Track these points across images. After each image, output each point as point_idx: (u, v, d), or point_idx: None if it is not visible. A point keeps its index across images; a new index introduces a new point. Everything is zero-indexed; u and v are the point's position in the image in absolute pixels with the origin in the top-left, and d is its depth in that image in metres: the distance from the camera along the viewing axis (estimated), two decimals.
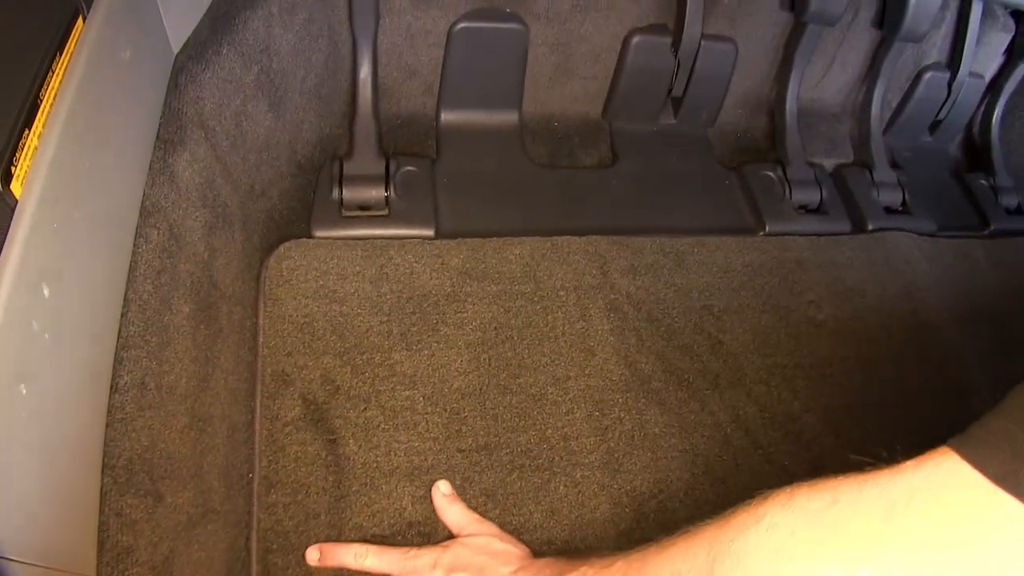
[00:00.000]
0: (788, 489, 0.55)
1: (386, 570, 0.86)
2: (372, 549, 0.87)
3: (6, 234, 0.55)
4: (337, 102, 1.28)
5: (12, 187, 0.56)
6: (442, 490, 0.94)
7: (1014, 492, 0.45)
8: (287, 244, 1.10)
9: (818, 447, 1.07)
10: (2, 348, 0.52)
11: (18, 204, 0.57)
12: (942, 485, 0.48)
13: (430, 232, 1.18)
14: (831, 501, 0.52)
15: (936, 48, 1.58)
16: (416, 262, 1.12)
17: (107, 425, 0.70)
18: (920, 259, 1.37)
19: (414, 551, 0.86)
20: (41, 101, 0.61)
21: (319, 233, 1.15)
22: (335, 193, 1.19)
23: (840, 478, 0.54)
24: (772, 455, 1.05)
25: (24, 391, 0.55)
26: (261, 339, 1.02)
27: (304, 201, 1.19)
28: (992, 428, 0.49)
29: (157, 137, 0.88)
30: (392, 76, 1.31)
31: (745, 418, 1.08)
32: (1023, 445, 0.46)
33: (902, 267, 1.34)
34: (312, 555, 0.87)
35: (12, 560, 0.53)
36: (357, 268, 1.09)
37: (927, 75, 1.58)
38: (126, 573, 0.68)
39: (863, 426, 1.11)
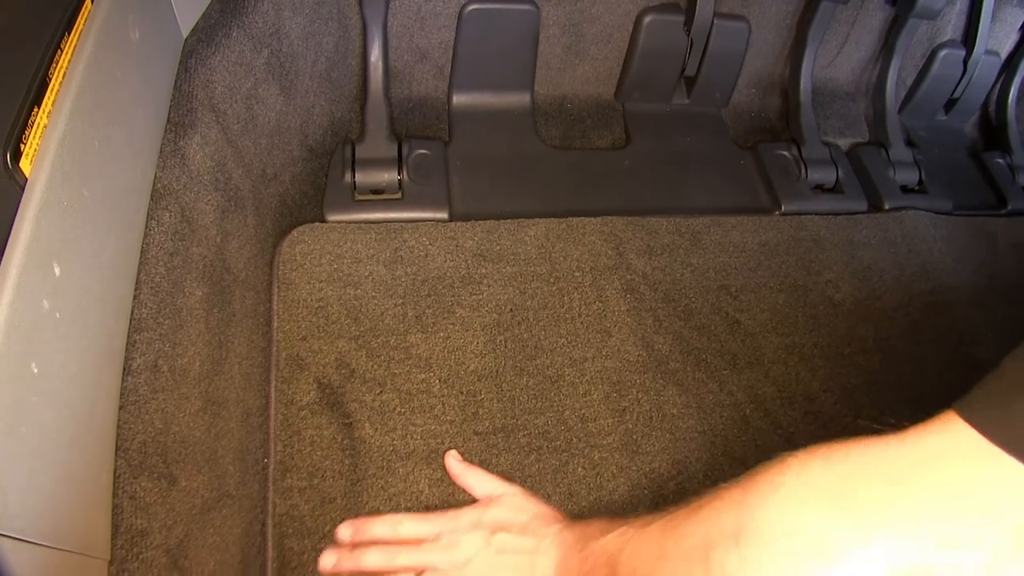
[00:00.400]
0: (803, 455, 0.57)
1: (426, 534, 0.84)
2: (408, 516, 0.86)
3: (16, 211, 0.54)
4: (348, 86, 1.27)
5: (21, 165, 0.56)
6: (454, 455, 0.93)
7: (1016, 454, 0.46)
8: (300, 228, 1.09)
9: (837, 426, 1.06)
10: (12, 324, 0.51)
11: (28, 182, 0.56)
12: (946, 449, 0.50)
13: (444, 214, 1.18)
14: (843, 470, 0.54)
15: (951, 25, 1.56)
16: (430, 244, 1.11)
17: (120, 407, 0.70)
18: (937, 238, 1.35)
19: (452, 512, 0.85)
20: (50, 79, 0.61)
21: (332, 217, 1.15)
22: (347, 177, 1.18)
23: (851, 443, 0.55)
24: (791, 435, 1.04)
25: (35, 369, 0.54)
26: (275, 323, 1.01)
27: (316, 185, 1.18)
28: (993, 392, 0.50)
29: (168, 119, 0.88)
30: (403, 59, 1.30)
31: (763, 398, 1.07)
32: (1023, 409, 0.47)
33: (919, 246, 1.32)
34: (344, 532, 0.86)
35: (25, 541, 0.52)
36: (371, 251, 1.09)
37: (942, 53, 1.56)
38: (140, 556, 0.68)
39: (882, 405, 1.10)
